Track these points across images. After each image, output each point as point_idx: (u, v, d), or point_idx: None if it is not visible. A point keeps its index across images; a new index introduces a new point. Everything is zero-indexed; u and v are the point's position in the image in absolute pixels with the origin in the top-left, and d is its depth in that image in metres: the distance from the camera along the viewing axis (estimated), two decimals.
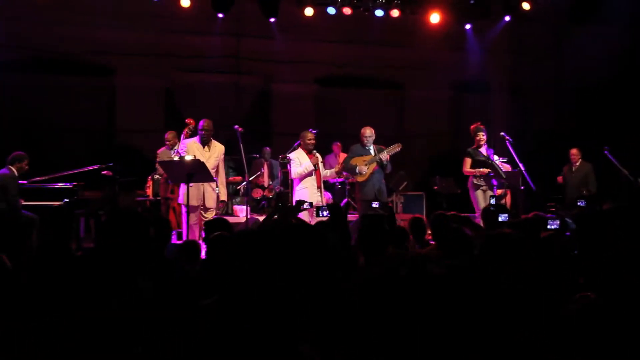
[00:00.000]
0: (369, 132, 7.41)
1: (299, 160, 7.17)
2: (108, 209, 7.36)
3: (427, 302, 1.58)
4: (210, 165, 6.68)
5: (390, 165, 7.51)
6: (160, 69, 11.12)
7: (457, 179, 9.39)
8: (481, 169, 7.45)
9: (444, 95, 12.71)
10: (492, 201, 5.47)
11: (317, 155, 7.32)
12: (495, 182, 7.50)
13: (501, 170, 7.44)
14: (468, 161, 7.57)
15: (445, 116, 12.70)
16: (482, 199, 7.41)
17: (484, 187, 7.48)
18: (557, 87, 11.95)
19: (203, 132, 6.75)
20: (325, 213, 3.81)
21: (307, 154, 7.19)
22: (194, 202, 6.58)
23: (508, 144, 7.68)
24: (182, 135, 7.68)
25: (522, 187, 7.71)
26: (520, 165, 7.49)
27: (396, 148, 7.36)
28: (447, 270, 1.66)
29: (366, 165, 7.29)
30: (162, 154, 8.48)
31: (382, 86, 12.83)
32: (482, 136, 7.60)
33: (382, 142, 7.74)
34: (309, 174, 7.15)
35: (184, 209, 6.66)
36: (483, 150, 7.59)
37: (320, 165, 7.35)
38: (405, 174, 10.19)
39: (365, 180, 7.33)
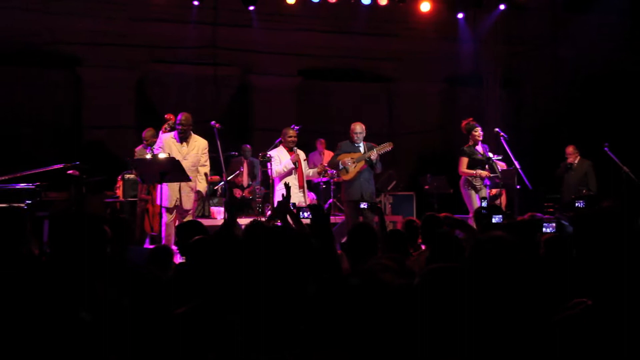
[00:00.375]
0: (359, 128, 7.37)
1: (279, 158, 7.18)
2: (71, 212, 7.28)
3: (384, 312, 1.61)
4: (189, 162, 6.64)
5: (381, 165, 7.48)
6: (131, 59, 11.02)
7: (449, 178, 9.45)
8: (481, 172, 7.43)
9: (435, 88, 12.77)
10: (484, 203, 5.50)
11: (299, 152, 7.32)
12: (487, 182, 7.52)
13: (498, 168, 7.48)
14: (464, 161, 7.55)
15: (437, 111, 12.77)
16: (475, 199, 7.44)
17: (479, 186, 7.50)
18: (554, 79, 12.07)
19: (180, 127, 6.67)
20: (306, 214, 3.79)
21: (288, 151, 7.20)
22: (167, 203, 6.54)
23: (503, 141, 7.73)
24: (161, 132, 7.63)
25: (518, 187, 7.77)
26: (516, 163, 7.54)
27: (386, 147, 7.33)
28: (426, 276, 1.69)
29: (353, 162, 7.27)
30: (140, 152, 8.41)
31: (370, 79, 12.85)
32: (478, 131, 7.61)
33: (369, 139, 7.74)
34: (289, 173, 7.16)
35: (161, 211, 6.64)
36: (479, 147, 7.61)
37: (303, 163, 7.35)
38: (394, 172, 10.23)
39: (351, 179, 7.31)
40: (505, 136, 7.71)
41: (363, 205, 5.49)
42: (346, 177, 7.34)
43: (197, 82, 11.61)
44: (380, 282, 1.69)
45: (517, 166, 7.53)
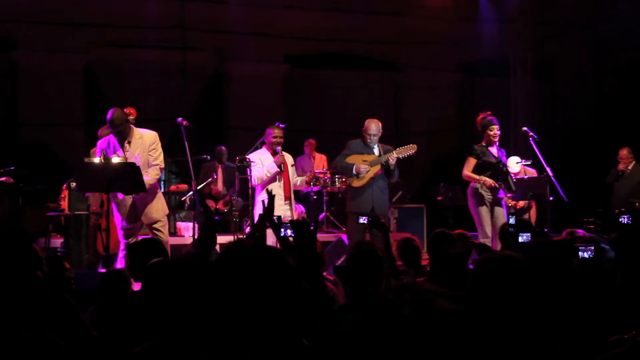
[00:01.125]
0: (374, 127, 7.29)
1: (261, 162, 7.17)
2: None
3: (442, 347, 1.62)
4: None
5: (398, 172, 7.45)
6: (79, 42, 11.00)
7: (466, 188, 9.48)
8: (486, 179, 7.32)
9: (450, 78, 12.82)
10: (512, 219, 5.46)
11: (287, 156, 7.31)
12: (502, 194, 7.40)
13: (512, 179, 7.38)
14: (472, 162, 7.48)
15: (453, 106, 12.80)
16: (485, 213, 7.35)
17: (489, 198, 7.39)
18: (596, 67, 12.14)
19: (113, 129, 6.47)
20: (288, 232, 3.75)
21: (272, 154, 7.20)
22: (124, 222, 6.49)
23: (532, 142, 7.75)
24: None
25: (551, 198, 7.78)
26: (548, 169, 7.56)
27: (409, 150, 7.25)
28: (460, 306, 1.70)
29: (367, 166, 7.24)
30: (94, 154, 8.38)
31: (372, 67, 12.87)
32: (495, 130, 7.52)
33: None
34: (273, 179, 7.13)
35: (119, 231, 6.61)
36: (494, 149, 7.55)
37: (291, 169, 7.34)
38: (400, 181, 10.25)
39: (362, 186, 7.25)
40: (535, 136, 7.72)
41: (363, 220, 5.46)
42: (356, 184, 7.28)
43: (160, 70, 11.60)
44: (434, 309, 1.70)
45: (550, 173, 7.54)
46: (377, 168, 7.25)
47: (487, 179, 7.30)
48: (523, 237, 4.21)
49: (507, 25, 11.98)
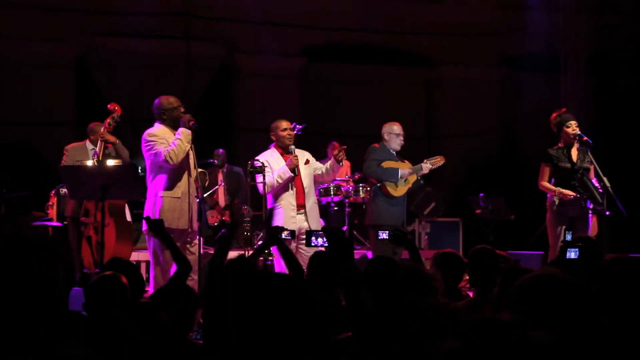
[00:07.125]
0: (397, 128, 7.42)
1: (269, 165, 6.82)
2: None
3: None
4: None
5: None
6: (69, 31, 11.06)
7: (510, 199, 9.42)
8: (563, 190, 7.18)
9: (491, 74, 12.78)
10: (568, 236, 5.35)
11: (300, 152, 6.98)
12: (590, 205, 7.19)
13: (596, 187, 7.18)
14: (546, 170, 7.38)
15: (494, 105, 12.75)
16: (561, 229, 7.20)
17: (571, 213, 7.17)
18: None
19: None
20: (320, 241, 3.66)
21: (281, 154, 6.94)
22: (182, 222, 6.15)
23: (587, 149, 7.69)
24: (102, 128, 7.64)
25: (608, 213, 7.68)
26: (605, 179, 7.48)
27: (439, 162, 7.46)
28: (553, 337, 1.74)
29: (409, 173, 7.38)
30: (74, 151, 8.36)
31: (402, 61, 12.85)
32: (574, 127, 7.38)
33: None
34: (286, 187, 6.84)
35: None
36: (574, 151, 7.43)
37: (306, 168, 6.91)
38: (433, 190, 10.20)
39: (399, 196, 7.35)
40: (590, 141, 7.64)
41: (383, 236, 5.39)
42: (395, 192, 7.33)
43: (162, 64, 11.63)
44: (532, 341, 1.72)
45: (607, 184, 7.45)
46: (415, 177, 7.35)
47: (563, 190, 7.16)
48: (571, 253, 4.15)
49: (558, 14, 11.91)
